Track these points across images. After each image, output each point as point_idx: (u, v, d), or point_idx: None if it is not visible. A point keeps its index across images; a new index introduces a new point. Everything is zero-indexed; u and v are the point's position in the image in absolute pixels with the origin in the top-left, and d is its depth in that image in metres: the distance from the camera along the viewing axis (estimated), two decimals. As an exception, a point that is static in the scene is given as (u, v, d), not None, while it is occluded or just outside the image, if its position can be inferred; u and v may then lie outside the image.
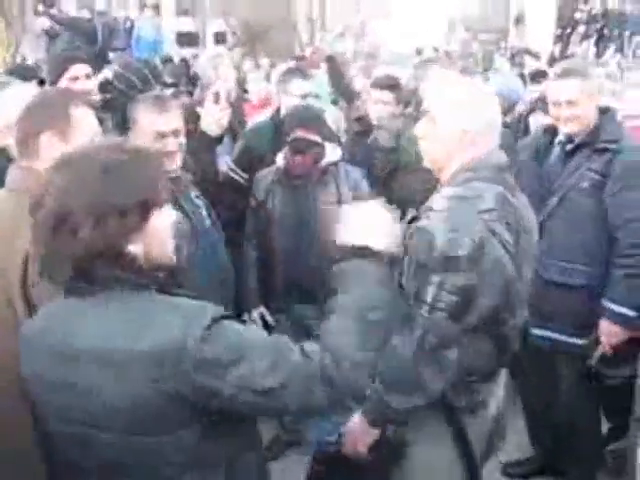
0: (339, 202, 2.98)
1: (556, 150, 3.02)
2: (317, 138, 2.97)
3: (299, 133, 2.93)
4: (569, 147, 2.95)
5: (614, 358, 2.86)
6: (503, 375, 2.11)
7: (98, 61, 8.53)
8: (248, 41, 12.37)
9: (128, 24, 10.62)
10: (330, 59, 5.24)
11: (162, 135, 2.43)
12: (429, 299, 1.83)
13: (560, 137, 3.00)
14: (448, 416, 1.95)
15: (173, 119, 2.48)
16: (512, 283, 1.88)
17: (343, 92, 4.93)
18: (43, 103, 2.05)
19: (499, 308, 1.89)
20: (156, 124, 2.43)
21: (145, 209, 1.39)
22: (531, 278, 2.03)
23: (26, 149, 1.99)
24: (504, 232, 1.84)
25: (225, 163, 3.48)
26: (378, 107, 3.90)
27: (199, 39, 15.19)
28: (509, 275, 1.86)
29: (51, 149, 1.92)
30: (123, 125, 3.04)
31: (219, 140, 2.87)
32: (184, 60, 8.59)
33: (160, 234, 1.43)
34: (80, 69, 3.29)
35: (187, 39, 12.39)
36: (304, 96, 3.56)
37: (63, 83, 3.28)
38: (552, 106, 2.97)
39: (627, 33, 17.45)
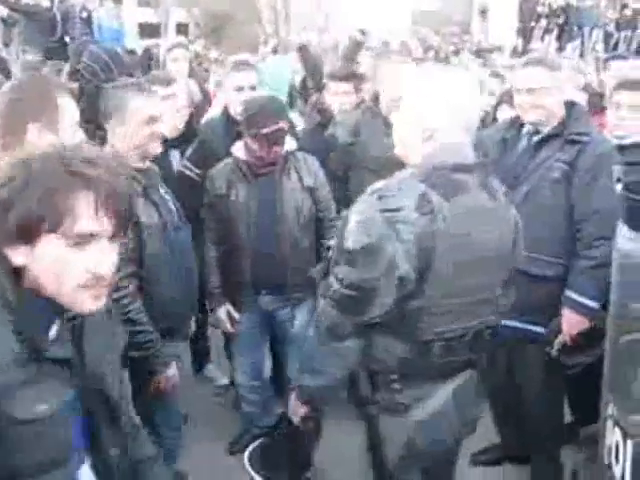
0: (302, 188, 3.03)
1: (523, 142, 3.01)
2: (286, 125, 3.00)
3: (280, 124, 2.92)
4: (536, 138, 2.95)
5: (575, 347, 2.88)
6: (445, 389, 2.02)
7: (59, 50, 8.39)
8: (211, 33, 12.26)
9: (84, 13, 10.37)
10: (302, 48, 5.21)
11: (154, 119, 2.44)
12: (329, 289, 1.89)
13: (528, 128, 2.99)
14: (361, 409, 1.99)
15: (159, 104, 2.53)
16: (413, 284, 1.83)
17: (317, 82, 4.90)
18: (29, 93, 2.00)
19: (406, 310, 1.86)
20: (148, 108, 2.44)
21: (27, 225, 1.18)
22: (487, 284, 1.96)
23: (13, 141, 1.91)
24: (407, 233, 1.79)
25: (174, 159, 3.44)
26: (337, 98, 3.90)
27: (161, 30, 15.02)
28: (407, 276, 1.81)
29: (40, 140, 1.90)
30: (86, 114, 2.99)
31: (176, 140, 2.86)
32: (147, 51, 8.45)
33: (48, 267, 1.20)
34: None
35: (149, 30, 12.24)
36: (252, 88, 3.51)
37: None
38: (516, 93, 2.97)
39: (587, 28, 17.74)
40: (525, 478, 3.39)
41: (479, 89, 2.09)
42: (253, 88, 3.52)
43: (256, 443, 2.70)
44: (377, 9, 14.90)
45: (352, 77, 3.99)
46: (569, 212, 2.83)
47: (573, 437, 3.35)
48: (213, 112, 4.04)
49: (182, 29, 12.89)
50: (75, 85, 3.20)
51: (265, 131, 2.86)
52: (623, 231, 2.16)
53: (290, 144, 3.09)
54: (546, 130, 2.92)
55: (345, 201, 3.06)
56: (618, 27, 18.16)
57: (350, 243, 1.84)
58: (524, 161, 2.97)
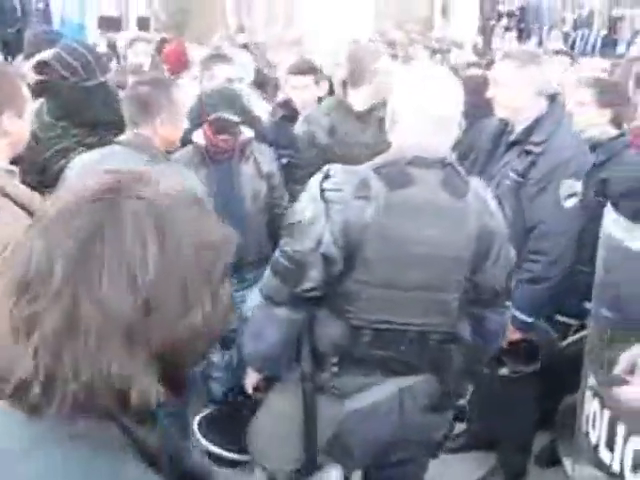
0: (260, 175, 3.16)
1: (504, 139, 3.02)
2: (234, 118, 3.10)
3: (219, 113, 3.05)
4: (509, 140, 2.94)
5: (516, 356, 2.89)
6: (385, 386, 2.03)
7: (17, 42, 8.21)
8: (173, 26, 12.12)
9: (41, 4, 10.18)
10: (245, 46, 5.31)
11: None
12: (273, 258, 1.99)
13: (509, 127, 2.98)
14: (302, 384, 2.02)
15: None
16: (340, 265, 1.88)
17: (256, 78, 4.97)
18: (1, 83, 2.03)
19: (338, 291, 1.91)
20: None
21: None
22: (428, 283, 1.94)
23: None
24: (338, 214, 1.84)
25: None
26: (298, 92, 3.90)
27: (122, 23, 14.79)
28: (331, 256, 1.86)
29: (12, 127, 1.99)
30: (60, 112, 2.95)
31: None
32: (111, 45, 8.33)
33: None
34: None
35: (109, 23, 12.03)
36: (229, 80, 3.66)
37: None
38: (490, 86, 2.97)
39: (545, 27, 18.07)
40: (492, 464, 3.45)
41: (457, 84, 2.07)
42: (240, 80, 3.72)
43: (205, 412, 2.77)
44: (340, 4, 14.91)
45: (312, 71, 4.00)
46: (520, 223, 2.78)
47: (545, 423, 3.40)
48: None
49: (143, 23, 12.69)
50: (38, 78, 3.10)
51: (208, 119, 3.02)
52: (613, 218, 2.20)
53: (247, 132, 3.19)
54: (515, 135, 2.90)
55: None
56: (575, 26, 18.56)
57: (291, 216, 1.94)
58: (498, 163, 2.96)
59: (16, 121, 2.00)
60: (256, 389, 2.24)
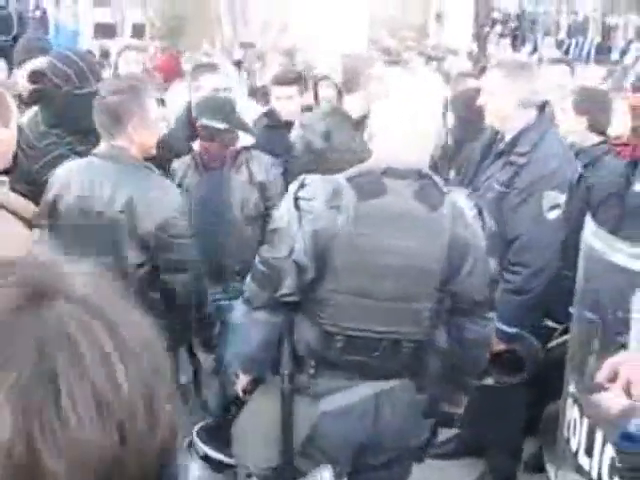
0: (251, 183, 3.17)
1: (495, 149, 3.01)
2: (221, 125, 3.11)
3: (204, 121, 3.10)
4: (498, 149, 2.93)
5: (502, 367, 2.90)
6: (360, 390, 2.05)
7: (12, 49, 8.22)
8: (168, 34, 12.16)
9: (38, 13, 10.20)
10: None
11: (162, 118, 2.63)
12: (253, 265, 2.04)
13: (499, 136, 2.98)
14: (281, 385, 2.06)
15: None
16: (312, 273, 1.92)
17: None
18: None
19: (311, 297, 1.96)
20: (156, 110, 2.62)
21: None
22: (400, 294, 1.95)
23: None
24: (309, 223, 1.88)
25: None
26: (282, 103, 3.91)
27: (116, 31, 14.83)
28: (302, 264, 1.90)
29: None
30: (53, 120, 2.96)
31: None
32: (104, 53, 8.36)
33: None
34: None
35: (104, 30, 12.06)
36: (216, 90, 3.67)
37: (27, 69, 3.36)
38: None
39: (540, 34, 18.15)
40: (482, 470, 3.47)
41: (439, 99, 2.11)
42: (226, 89, 3.72)
43: (204, 422, 2.80)
44: (335, 12, 14.97)
45: (295, 81, 4.00)
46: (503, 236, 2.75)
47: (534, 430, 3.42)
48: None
49: (138, 30, 12.75)
50: (32, 87, 3.11)
51: (197, 125, 3.09)
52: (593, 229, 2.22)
53: (245, 140, 3.21)
54: (501, 145, 2.90)
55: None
56: (569, 33, 18.65)
57: (271, 223, 2.02)
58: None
59: (2, 131, 2.03)
60: (246, 392, 2.28)
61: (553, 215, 2.76)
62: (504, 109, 2.89)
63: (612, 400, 1.41)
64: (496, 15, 18.04)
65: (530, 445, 3.47)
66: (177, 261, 2.49)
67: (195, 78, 3.85)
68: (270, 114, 4.00)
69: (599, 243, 2.10)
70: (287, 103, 3.92)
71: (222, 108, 3.23)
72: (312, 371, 2.05)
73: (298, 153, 3.49)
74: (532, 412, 3.23)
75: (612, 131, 3.39)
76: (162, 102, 3.80)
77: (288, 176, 3.41)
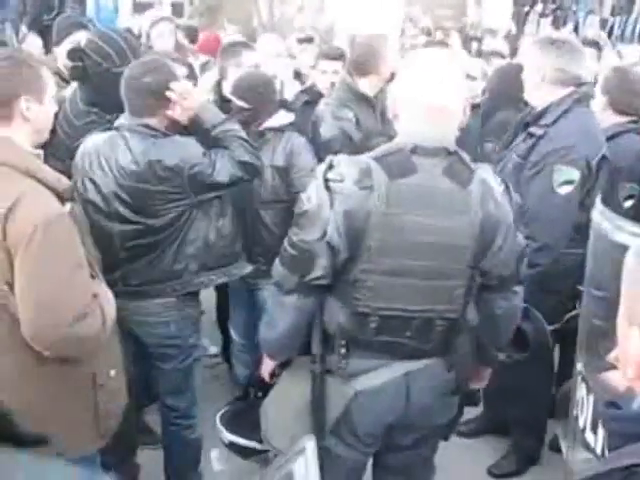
0: (270, 167, 3.12)
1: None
2: (243, 104, 3.12)
3: (240, 103, 3.13)
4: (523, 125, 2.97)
5: None
6: (392, 369, 2.07)
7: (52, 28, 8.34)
8: (206, 11, 12.19)
9: (76, -8, 10.27)
10: None
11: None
12: (282, 247, 2.03)
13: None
14: (311, 366, 2.09)
15: None
16: (345, 253, 1.93)
17: None
18: (15, 66, 2.06)
19: (344, 279, 1.96)
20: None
21: None
22: (433, 271, 1.96)
23: (5, 112, 2.02)
24: (341, 204, 1.89)
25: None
26: (327, 77, 3.99)
27: (155, 7, 14.86)
28: (335, 245, 1.91)
29: (29, 112, 2.02)
30: (93, 97, 3.01)
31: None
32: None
33: None
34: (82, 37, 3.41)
35: (143, 8, 12.12)
36: (256, 67, 3.70)
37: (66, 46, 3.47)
38: None
39: (582, 13, 17.72)
40: (508, 449, 3.50)
41: (461, 75, 2.09)
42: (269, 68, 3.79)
43: (226, 407, 2.87)
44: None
45: (341, 57, 4.10)
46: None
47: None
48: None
49: (177, 7, 12.78)
50: (72, 64, 3.15)
51: (233, 108, 3.07)
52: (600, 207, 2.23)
53: (274, 121, 3.17)
54: (525, 118, 2.96)
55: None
56: (613, 12, 18.18)
57: (299, 206, 1.98)
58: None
59: (35, 106, 2.03)
60: (272, 375, 2.30)
61: (564, 191, 2.74)
62: (531, 83, 2.90)
63: (619, 378, 1.44)
64: (536, -7, 17.67)
65: (555, 425, 3.50)
66: (222, 186, 2.63)
67: (234, 55, 3.79)
68: (309, 90, 4.04)
69: (605, 222, 2.11)
70: (332, 77, 3.99)
71: (258, 87, 3.20)
72: (343, 351, 2.04)
73: (339, 147, 3.36)
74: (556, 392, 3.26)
75: None
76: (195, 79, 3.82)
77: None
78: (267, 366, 2.28)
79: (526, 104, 3.11)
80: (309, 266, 1.95)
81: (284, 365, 2.27)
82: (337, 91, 3.71)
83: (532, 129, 2.85)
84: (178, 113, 2.60)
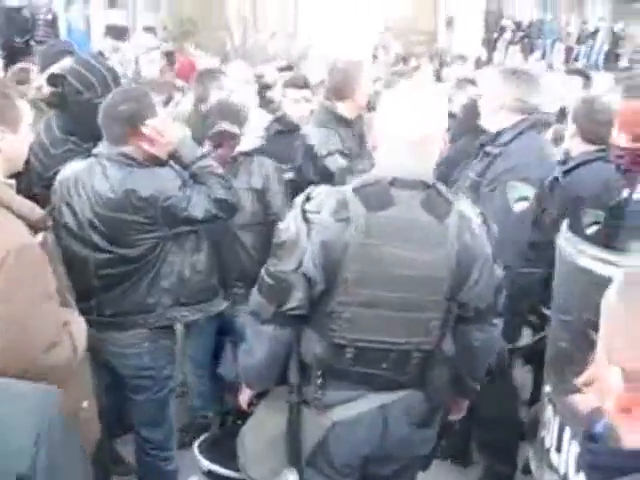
0: (248, 190, 3.13)
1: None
2: (236, 130, 3.11)
3: (224, 126, 3.08)
4: (478, 147, 3.03)
5: None
6: (369, 400, 2.05)
7: (23, 51, 8.33)
8: (179, 37, 12.25)
9: (50, 15, 10.27)
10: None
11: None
12: (259, 277, 2.01)
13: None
14: (289, 396, 2.06)
15: None
16: (321, 285, 1.91)
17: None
18: None
19: (321, 310, 1.94)
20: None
21: None
22: (410, 303, 1.95)
23: None
24: (318, 235, 1.87)
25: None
26: (297, 106, 3.97)
27: (128, 33, 14.90)
28: (312, 277, 1.89)
29: (3, 142, 1.99)
30: (72, 126, 2.94)
31: None
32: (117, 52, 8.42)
33: None
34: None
35: (115, 32, 12.14)
36: (230, 92, 3.71)
37: None
38: None
39: (549, 40, 18.19)
40: (480, 474, 3.49)
41: (441, 105, 2.09)
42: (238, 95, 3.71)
43: (207, 434, 2.82)
44: (346, 16, 15.06)
45: (308, 85, 4.08)
46: None
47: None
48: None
49: (150, 32, 12.84)
50: (53, 90, 3.08)
51: (209, 133, 3.02)
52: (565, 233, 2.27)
53: (247, 144, 3.18)
54: (481, 140, 2.98)
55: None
56: (578, 41, 18.66)
57: (277, 236, 1.96)
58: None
59: (10, 136, 2.00)
60: (250, 404, 2.27)
61: (519, 207, 2.78)
62: (489, 109, 2.96)
63: (584, 401, 1.47)
64: (505, 22, 18.06)
65: (528, 448, 3.52)
66: (196, 222, 2.61)
67: (214, 79, 3.80)
68: (281, 119, 4.02)
69: (569, 247, 2.15)
70: (301, 106, 3.98)
71: (240, 113, 3.22)
72: (320, 382, 2.02)
73: (339, 179, 3.20)
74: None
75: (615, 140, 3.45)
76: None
77: (295, 187, 3.42)
78: (245, 395, 2.26)
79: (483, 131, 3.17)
80: (286, 296, 1.94)
81: (262, 395, 2.25)
82: (317, 114, 3.72)
83: (488, 148, 2.92)
84: (155, 149, 2.59)
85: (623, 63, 16.80)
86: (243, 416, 2.34)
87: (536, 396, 3.11)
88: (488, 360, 2.23)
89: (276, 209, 3.20)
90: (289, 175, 3.56)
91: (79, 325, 2.10)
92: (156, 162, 2.60)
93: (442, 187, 1.98)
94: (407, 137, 1.91)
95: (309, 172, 3.46)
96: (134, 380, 2.71)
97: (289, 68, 6.26)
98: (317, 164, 3.38)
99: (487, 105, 2.96)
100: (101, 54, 8.64)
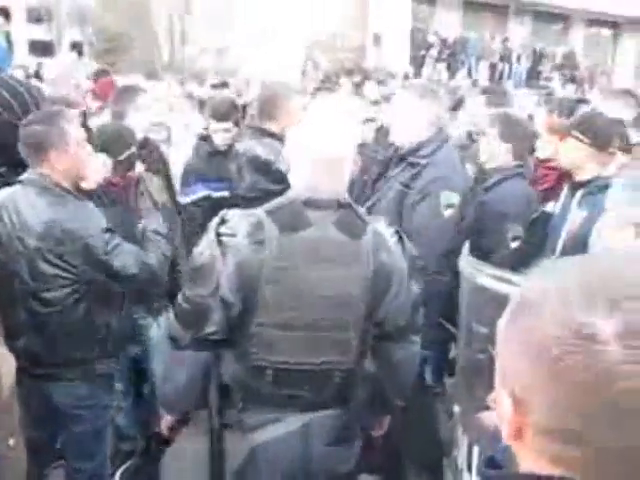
0: (155, 206, 3.04)
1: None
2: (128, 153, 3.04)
3: (133, 149, 3.02)
4: (395, 158, 3.10)
5: None
6: (290, 421, 2.04)
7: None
8: (106, 53, 12.06)
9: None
10: None
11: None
12: (175, 302, 1.99)
13: (395, 146, 3.14)
14: (209, 420, 2.06)
15: None
16: (238, 308, 1.90)
17: None
18: None
19: (240, 333, 1.94)
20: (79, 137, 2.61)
21: None
22: (327, 324, 1.95)
23: None
24: (233, 258, 1.86)
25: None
26: (219, 136, 3.91)
27: (54, 48, 14.59)
28: (228, 300, 1.88)
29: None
30: None
31: None
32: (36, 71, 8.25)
33: None
34: None
35: (40, 47, 11.88)
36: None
37: None
38: None
39: (473, 58, 18.71)
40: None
41: (352, 125, 2.11)
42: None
43: (127, 463, 2.75)
44: (273, 33, 15.13)
45: (230, 114, 3.96)
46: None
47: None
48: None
49: (77, 48, 12.61)
50: None
51: (121, 158, 2.93)
52: (465, 256, 2.33)
53: (139, 166, 3.13)
54: (402, 152, 3.04)
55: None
56: (502, 59, 19.26)
57: (192, 260, 1.95)
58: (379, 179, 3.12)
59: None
60: (172, 429, 2.21)
61: (448, 213, 2.91)
62: (404, 125, 3.03)
63: (491, 418, 1.50)
64: (431, 39, 18.48)
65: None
66: (114, 273, 2.50)
67: (131, 99, 3.71)
68: (208, 140, 3.99)
69: (468, 267, 2.22)
70: (223, 135, 3.92)
71: (133, 133, 3.14)
72: (241, 405, 2.01)
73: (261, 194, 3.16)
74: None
75: (541, 154, 3.61)
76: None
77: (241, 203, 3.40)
78: (166, 421, 2.20)
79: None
80: (203, 321, 1.91)
81: (183, 421, 2.21)
82: (247, 131, 3.72)
83: (412, 159, 2.99)
84: (86, 184, 2.55)
85: (543, 81, 17.44)
86: (166, 442, 2.31)
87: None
88: (411, 377, 2.24)
89: (176, 225, 3.28)
90: (223, 193, 3.59)
91: (7, 360, 2.02)
92: (79, 192, 2.54)
93: (356, 206, 1.99)
94: (318, 156, 1.90)
95: (259, 184, 3.36)
96: (71, 410, 2.61)
97: (223, 85, 6.21)
98: (271, 171, 3.29)
99: (403, 121, 3.03)
100: (24, 68, 8.44)
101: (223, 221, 1.92)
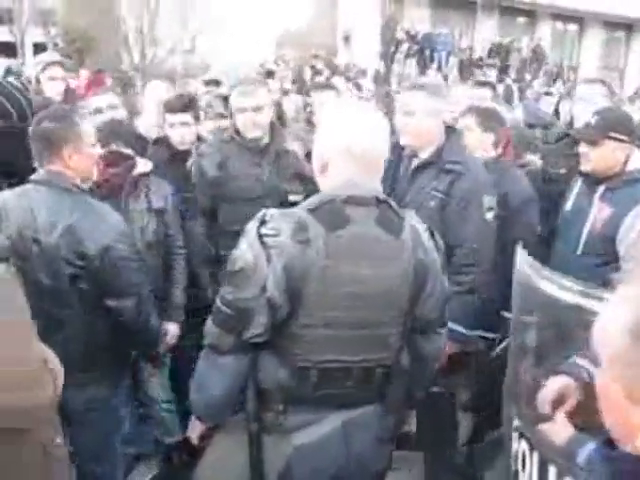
0: (149, 210, 3.06)
1: (403, 165, 3.08)
2: (129, 151, 3.02)
3: (112, 147, 2.97)
4: (415, 164, 3.01)
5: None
6: (331, 420, 2.02)
7: None
8: (73, 54, 11.82)
9: None
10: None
11: None
12: (214, 308, 1.94)
13: (406, 151, 3.05)
14: (247, 425, 2.00)
15: None
16: (285, 309, 1.86)
17: None
18: None
19: (284, 334, 1.90)
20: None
21: None
22: (370, 320, 1.95)
23: None
24: (278, 259, 1.82)
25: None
26: (176, 130, 3.58)
27: (17, 49, 14.30)
28: (276, 301, 1.84)
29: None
30: None
31: None
32: (9, 70, 7.99)
33: None
34: None
35: (3, 49, 11.59)
36: (97, 110, 3.60)
37: None
38: (398, 115, 3.01)
39: (443, 53, 18.81)
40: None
41: (386, 124, 2.07)
42: (113, 108, 3.65)
43: (155, 472, 2.65)
44: (243, 31, 15.02)
45: (189, 107, 3.65)
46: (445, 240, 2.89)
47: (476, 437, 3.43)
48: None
49: (40, 49, 12.34)
50: None
51: (101, 152, 2.83)
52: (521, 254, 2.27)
53: (144, 166, 3.09)
54: (424, 157, 2.97)
55: (214, 237, 3.16)
56: (470, 55, 19.40)
57: (231, 264, 1.89)
58: (404, 186, 3.04)
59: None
60: (202, 438, 2.15)
61: (490, 216, 2.96)
62: (429, 127, 2.93)
63: (557, 432, 1.40)
64: (400, 36, 18.50)
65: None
66: (120, 286, 2.44)
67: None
68: (163, 141, 3.75)
69: (528, 269, 2.14)
70: (181, 130, 3.58)
71: (120, 131, 3.12)
72: (280, 408, 1.98)
73: (194, 180, 3.33)
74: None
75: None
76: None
77: (186, 206, 3.31)
78: (196, 429, 2.14)
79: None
80: (245, 325, 1.88)
81: (214, 427, 2.13)
82: (217, 132, 3.63)
83: (447, 166, 2.93)
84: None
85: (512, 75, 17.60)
86: (192, 451, 2.21)
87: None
88: (434, 369, 2.26)
89: (175, 229, 3.19)
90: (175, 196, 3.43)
91: (55, 360, 1.93)
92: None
93: (392, 202, 1.97)
94: (360, 154, 1.89)
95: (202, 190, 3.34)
96: (82, 412, 2.53)
97: (215, 82, 5.92)
98: None
99: (425, 124, 2.94)
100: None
101: (264, 221, 1.87)
